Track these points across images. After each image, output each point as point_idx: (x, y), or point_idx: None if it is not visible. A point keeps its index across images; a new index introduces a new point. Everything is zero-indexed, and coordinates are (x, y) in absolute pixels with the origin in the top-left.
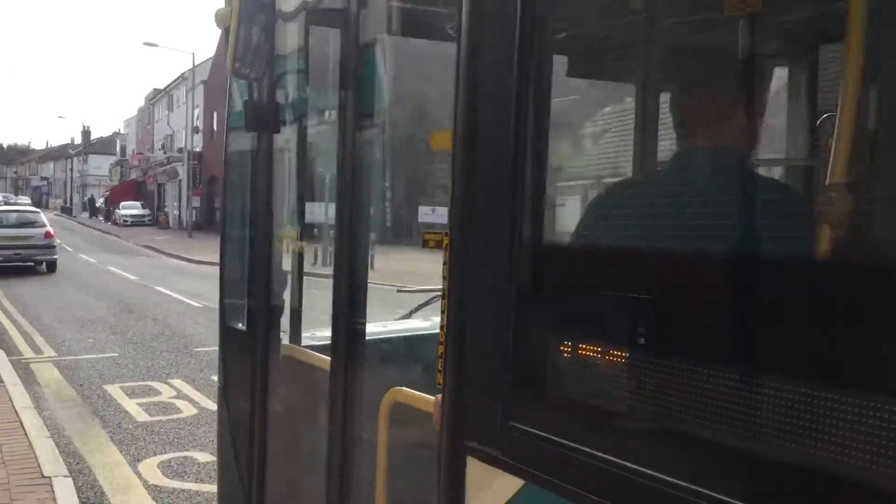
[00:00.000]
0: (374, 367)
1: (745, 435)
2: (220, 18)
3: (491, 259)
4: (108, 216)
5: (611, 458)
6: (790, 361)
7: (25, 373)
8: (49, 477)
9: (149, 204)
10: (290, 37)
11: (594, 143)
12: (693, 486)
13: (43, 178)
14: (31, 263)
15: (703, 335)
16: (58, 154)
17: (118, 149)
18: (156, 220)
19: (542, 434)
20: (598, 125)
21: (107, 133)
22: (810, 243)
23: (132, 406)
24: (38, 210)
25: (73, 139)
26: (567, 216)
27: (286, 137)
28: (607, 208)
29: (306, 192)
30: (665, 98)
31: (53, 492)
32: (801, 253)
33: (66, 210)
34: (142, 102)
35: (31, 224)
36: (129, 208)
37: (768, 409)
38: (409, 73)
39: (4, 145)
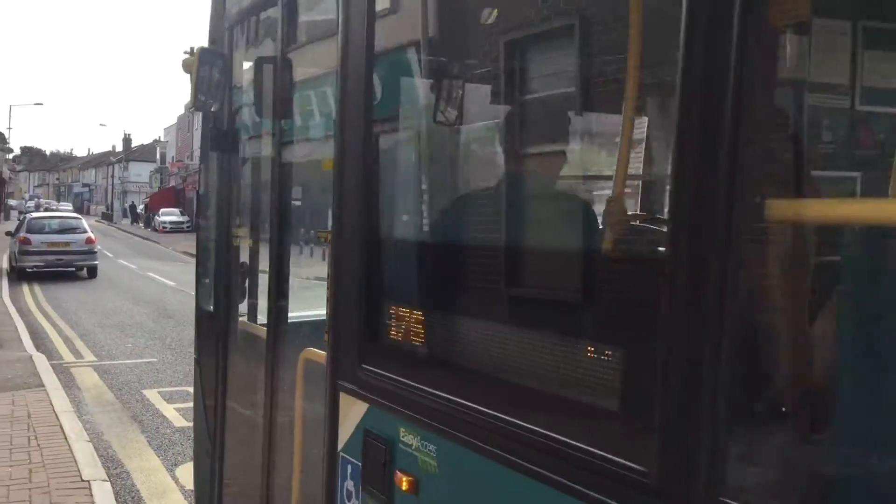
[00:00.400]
0: (294, 337)
1: (494, 364)
2: (186, 65)
3: (350, 251)
4: (148, 222)
5: (423, 386)
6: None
7: (66, 377)
8: (88, 481)
9: (188, 211)
10: (238, 77)
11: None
12: (467, 403)
13: (84, 185)
14: (73, 269)
15: (474, 300)
16: (99, 161)
17: (158, 156)
18: (194, 226)
19: (380, 372)
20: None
21: (147, 141)
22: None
23: (170, 411)
24: (79, 216)
25: (114, 147)
26: (398, 223)
27: (243, 155)
28: (415, 217)
29: (255, 201)
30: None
31: (92, 495)
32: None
33: (107, 216)
34: (181, 111)
35: (73, 230)
36: (168, 215)
37: (516, 351)
38: (322, 106)
39: (47, 152)
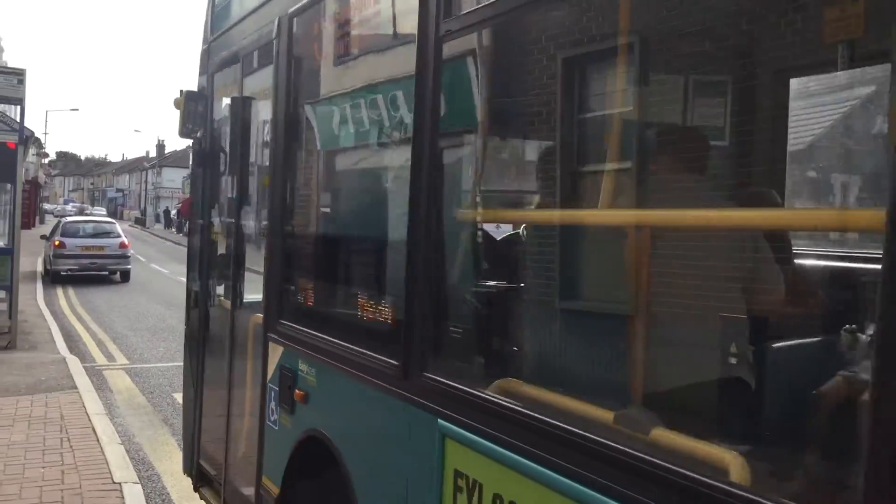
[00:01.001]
0: (249, 308)
1: (347, 317)
2: (176, 103)
3: (275, 246)
4: (180, 228)
5: (311, 331)
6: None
7: (98, 379)
8: (119, 483)
9: None
10: (216, 112)
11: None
12: (332, 339)
13: (118, 190)
14: (106, 272)
15: (337, 277)
16: (133, 166)
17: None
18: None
19: (289, 325)
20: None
21: (180, 147)
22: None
23: None
24: (113, 221)
25: (147, 152)
26: (298, 226)
27: (217, 171)
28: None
29: (229, 206)
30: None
31: (123, 497)
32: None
33: (140, 221)
34: None
35: (107, 234)
36: None
37: (355, 308)
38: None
39: (82, 157)
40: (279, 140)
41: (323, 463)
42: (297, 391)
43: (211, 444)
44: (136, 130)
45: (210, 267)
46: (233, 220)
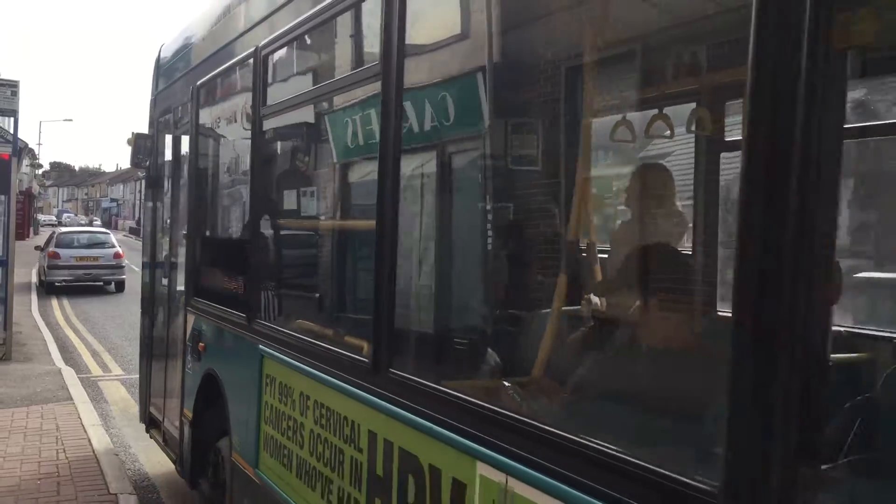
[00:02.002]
0: (178, 293)
1: (233, 288)
2: (128, 141)
3: (192, 243)
4: None
5: (207, 301)
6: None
7: (94, 390)
8: (115, 494)
9: None
10: (159, 148)
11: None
12: (217, 306)
13: (113, 200)
14: (101, 283)
15: (227, 261)
16: (127, 176)
17: None
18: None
19: (201, 300)
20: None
21: None
22: None
23: None
24: (107, 231)
25: None
26: (204, 231)
27: (161, 192)
28: (212, 224)
29: (170, 217)
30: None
31: None
32: None
33: (135, 231)
34: None
35: (101, 245)
36: None
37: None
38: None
39: (76, 167)
40: (193, 171)
41: (216, 391)
42: (200, 344)
43: (156, 395)
44: (129, 141)
45: (159, 266)
46: (170, 229)
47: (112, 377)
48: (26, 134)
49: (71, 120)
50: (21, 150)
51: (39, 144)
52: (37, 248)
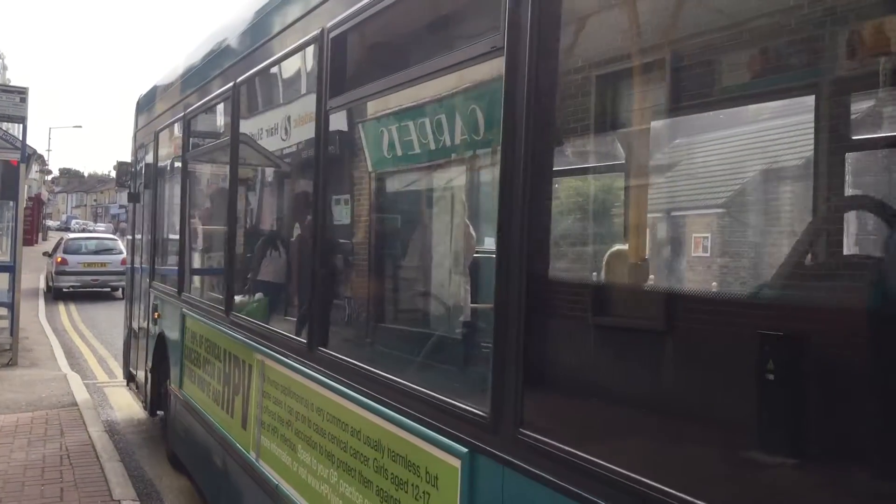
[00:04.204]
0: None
1: (169, 269)
2: (114, 167)
3: (154, 243)
4: None
5: (161, 284)
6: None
7: (99, 396)
8: (119, 500)
9: None
10: (139, 173)
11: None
12: (167, 287)
13: (121, 206)
14: (108, 289)
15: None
16: None
17: None
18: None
19: (157, 283)
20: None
21: None
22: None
23: None
24: (115, 237)
25: None
26: (164, 233)
27: (141, 206)
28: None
29: (148, 223)
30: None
31: None
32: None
33: None
34: None
35: (109, 251)
36: None
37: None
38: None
39: (85, 174)
40: (153, 193)
41: (164, 348)
42: (155, 314)
43: (133, 355)
44: (114, 167)
45: (133, 260)
46: (147, 233)
47: (118, 383)
48: (36, 140)
49: (80, 126)
50: (30, 157)
51: (49, 150)
52: (45, 253)
